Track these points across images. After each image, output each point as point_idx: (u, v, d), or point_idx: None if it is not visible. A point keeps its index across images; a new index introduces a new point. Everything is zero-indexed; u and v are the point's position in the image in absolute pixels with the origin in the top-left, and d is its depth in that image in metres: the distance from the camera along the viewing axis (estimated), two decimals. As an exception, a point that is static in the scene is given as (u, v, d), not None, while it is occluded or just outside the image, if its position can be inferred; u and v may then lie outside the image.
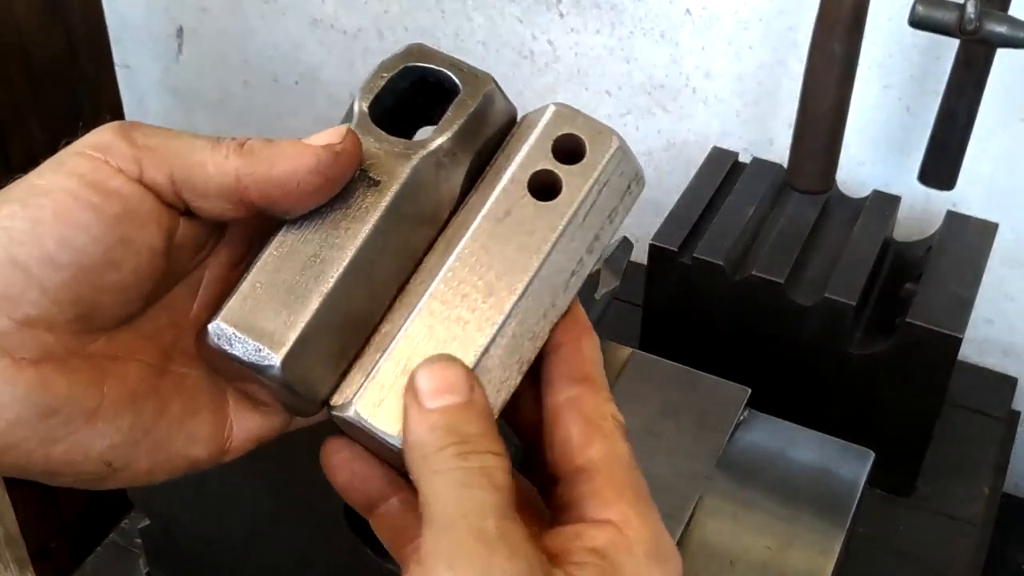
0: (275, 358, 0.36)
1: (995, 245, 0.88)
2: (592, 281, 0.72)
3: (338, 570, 0.69)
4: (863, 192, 0.93)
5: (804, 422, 0.70)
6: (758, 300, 0.83)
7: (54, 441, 0.36)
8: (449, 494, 0.34)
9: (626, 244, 0.76)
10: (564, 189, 0.38)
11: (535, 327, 0.38)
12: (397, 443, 0.36)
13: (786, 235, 0.87)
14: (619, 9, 1.07)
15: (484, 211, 0.38)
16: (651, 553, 0.36)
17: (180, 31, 1.35)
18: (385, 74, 0.39)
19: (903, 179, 1.03)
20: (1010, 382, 1.02)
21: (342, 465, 0.40)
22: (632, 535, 0.36)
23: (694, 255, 0.85)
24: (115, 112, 1.30)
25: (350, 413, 0.37)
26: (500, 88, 0.40)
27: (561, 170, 0.38)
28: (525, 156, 0.38)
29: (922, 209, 1.04)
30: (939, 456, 0.91)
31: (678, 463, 0.66)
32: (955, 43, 0.84)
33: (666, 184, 1.16)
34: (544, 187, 0.38)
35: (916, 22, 0.79)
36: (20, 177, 0.37)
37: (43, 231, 0.35)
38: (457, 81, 0.39)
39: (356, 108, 0.39)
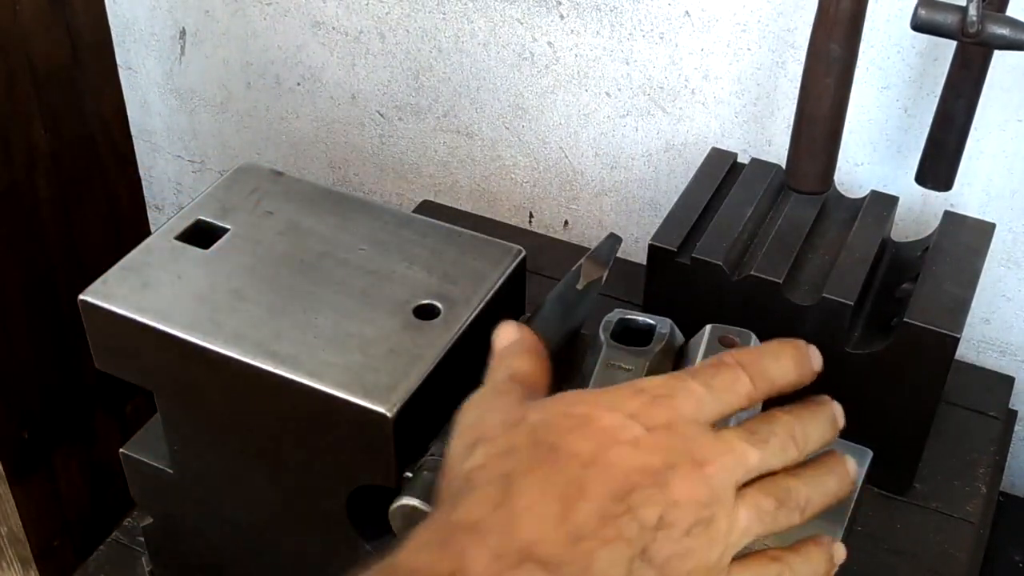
0: None
1: (992, 245, 0.89)
2: (576, 273, 0.72)
3: (339, 569, 0.69)
4: (861, 193, 0.94)
5: (802, 421, 0.70)
6: (757, 300, 0.84)
7: None
8: None
9: (613, 239, 0.75)
10: None
11: None
12: None
13: (784, 235, 0.87)
14: (619, 11, 1.08)
15: None
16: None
17: (183, 33, 1.36)
18: None
19: (901, 180, 1.03)
20: (1007, 381, 1.02)
21: None
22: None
23: (693, 255, 0.85)
24: (118, 114, 1.31)
25: None
26: None
27: None
28: None
29: (920, 209, 1.04)
30: (937, 455, 0.91)
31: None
32: (953, 44, 0.84)
33: (665, 185, 1.16)
34: None
35: (918, 26, 0.79)
36: None
37: None
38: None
39: None
